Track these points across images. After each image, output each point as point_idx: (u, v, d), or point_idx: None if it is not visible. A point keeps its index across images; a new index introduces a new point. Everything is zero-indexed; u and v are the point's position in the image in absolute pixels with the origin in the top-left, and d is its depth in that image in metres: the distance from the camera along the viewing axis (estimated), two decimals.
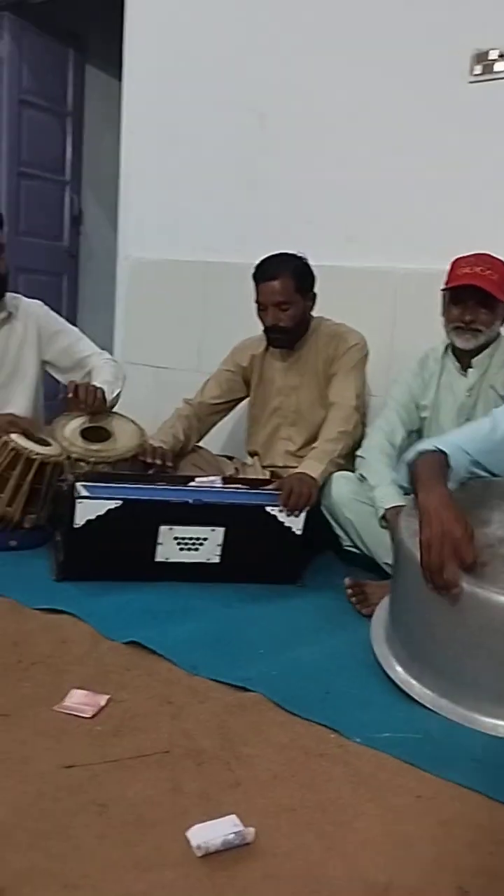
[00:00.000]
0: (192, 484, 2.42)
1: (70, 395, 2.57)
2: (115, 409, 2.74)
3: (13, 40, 4.20)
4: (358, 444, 2.47)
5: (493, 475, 1.92)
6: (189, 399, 2.79)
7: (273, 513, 2.27)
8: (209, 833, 1.20)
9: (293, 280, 2.51)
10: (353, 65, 2.95)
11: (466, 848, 1.26)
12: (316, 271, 2.59)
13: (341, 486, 2.34)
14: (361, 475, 2.34)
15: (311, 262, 2.57)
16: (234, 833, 1.20)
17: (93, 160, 4.79)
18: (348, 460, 2.46)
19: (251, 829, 1.22)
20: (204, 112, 3.37)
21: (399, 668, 1.74)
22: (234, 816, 1.25)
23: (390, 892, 1.15)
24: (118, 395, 2.73)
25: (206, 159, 3.37)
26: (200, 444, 2.81)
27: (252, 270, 2.57)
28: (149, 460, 2.50)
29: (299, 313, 2.55)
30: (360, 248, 2.97)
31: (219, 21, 3.29)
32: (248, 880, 1.16)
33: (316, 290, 2.60)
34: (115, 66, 3.87)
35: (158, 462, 2.49)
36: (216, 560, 2.27)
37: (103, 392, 2.61)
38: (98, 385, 2.62)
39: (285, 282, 2.50)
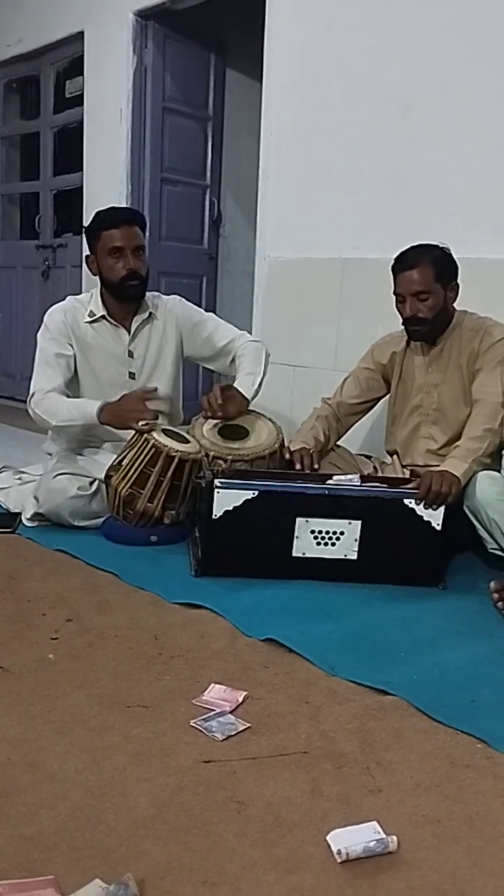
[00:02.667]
0: (329, 482, 2.38)
1: (205, 409, 2.65)
2: (255, 402, 2.76)
3: (157, 49, 4.29)
4: None
5: None
6: (327, 398, 2.75)
7: (412, 506, 2.20)
8: (350, 839, 1.16)
9: (433, 269, 2.42)
10: (499, 54, 2.82)
11: None
12: (461, 264, 2.49)
13: (486, 486, 2.24)
14: None
15: (457, 255, 2.48)
16: (377, 840, 1.16)
17: (232, 163, 4.84)
18: (495, 459, 2.35)
19: (394, 838, 1.18)
20: (344, 109, 3.32)
21: None
22: (375, 823, 1.21)
23: None
24: (261, 382, 2.75)
25: (346, 156, 3.33)
26: (339, 443, 2.77)
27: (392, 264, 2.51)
28: (297, 466, 2.48)
29: (439, 304, 2.46)
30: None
31: (360, 17, 3.24)
32: (391, 891, 1.11)
33: (459, 281, 2.50)
34: (255, 68, 3.88)
35: (307, 468, 2.47)
36: (353, 556, 2.23)
37: (240, 397, 2.64)
38: (236, 386, 2.65)
39: (424, 270, 2.42)
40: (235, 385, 2.72)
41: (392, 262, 2.50)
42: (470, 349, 2.50)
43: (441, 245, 2.46)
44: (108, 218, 2.70)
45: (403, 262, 2.46)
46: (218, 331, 2.87)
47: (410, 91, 3.09)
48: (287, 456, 2.53)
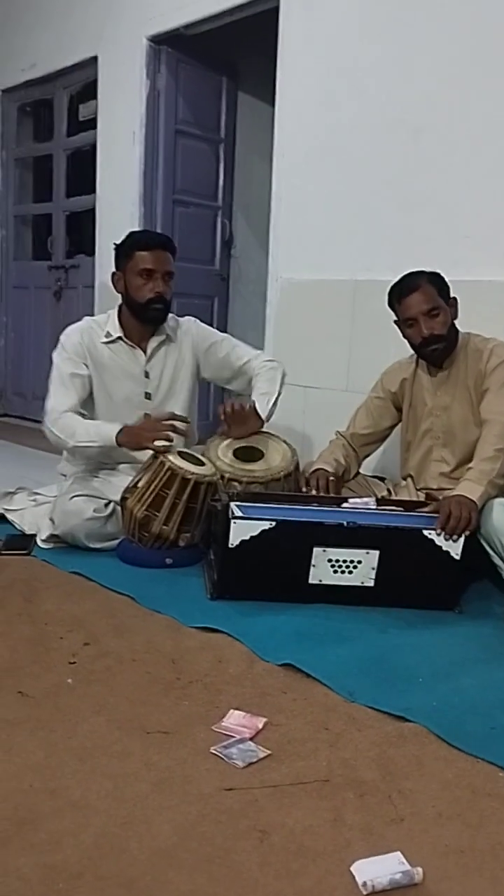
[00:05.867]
0: (345, 505, 2.39)
1: (223, 423, 2.66)
2: (269, 424, 2.77)
3: (170, 73, 4.35)
4: None
5: None
6: (341, 431, 2.76)
7: (431, 537, 2.20)
8: (375, 870, 1.15)
9: (433, 287, 2.47)
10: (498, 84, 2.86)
11: None
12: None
13: (501, 514, 2.24)
14: None
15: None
16: (402, 872, 1.16)
17: (243, 185, 4.88)
18: None
19: (419, 869, 1.17)
20: (356, 132, 3.36)
21: None
22: (399, 853, 1.20)
23: None
24: (275, 402, 2.77)
25: (358, 178, 3.36)
26: None
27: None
28: (313, 491, 2.49)
29: (449, 320, 2.49)
30: None
31: (371, 41, 3.28)
32: None
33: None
34: (267, 92, 3.92)
35: (322, 491, 2.48)
36: (370, 584, 2.23)
37: (255, 416, 2.66)
38: (252, 404, 2.67)
39: (427, 288, 2.46)
40: (251, 404, 2.74)
41: (389, 294, 2.52)
42: (477, 370, 2.51)
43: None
44: (144, 239, 2.75)
45: (404, 288, 2.48)
46: (234, 351, 2.89)
47: (421, 114, 3.12)
48: (304, 481, 2.54)
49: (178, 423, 2.56)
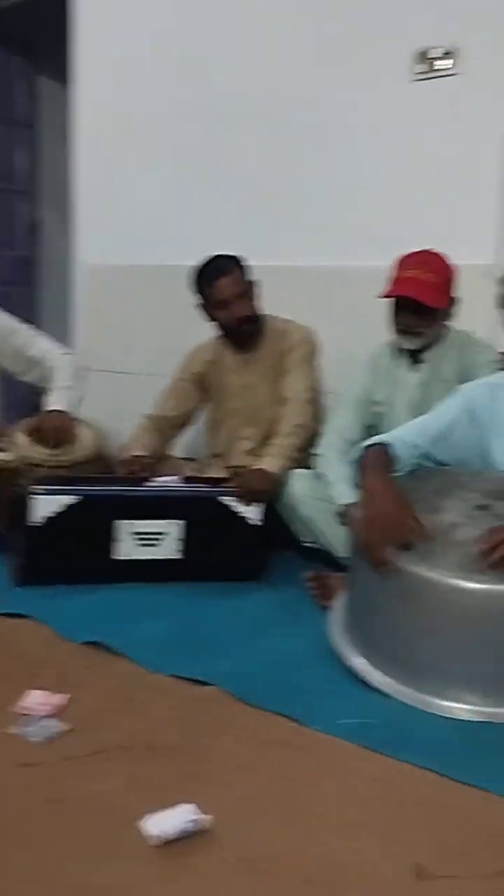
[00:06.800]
0: (149, 484, 2.41)
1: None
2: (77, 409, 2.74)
3: None
4: (315, 437, 2.48)
5: (443, 464, 1.95)
6: (148, 414, 2.78)
7: (229, 503, 2.28)
8: (165, 822, 1.19)
9: (240, 270, 2.55)
10: (301, 64, 2.98)
11: (422, 826, 1.27)
12: (266, 271, 2.61)
13: (298, 484, 2.35)
14: (319, 472, 2.35)
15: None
16: (192, 821, 1.20)
17: (50, 169, 4.77)
18: (306, 454, 2.48)
19: (208, 817, 1.23)
20: (157, 115, 3.38)
21: (357, 658, 1.75)
22: (192, 805, 1.25)
23: (346, 869, 1.16)
24: (79, 396, 2.73)
25: (162, 162, 3.38)
26: None
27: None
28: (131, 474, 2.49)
29: (256, 302, 2.58)
30: (313, 247, 2.99)
31: (168, 24, 3.31)
32: (206, 867, 1.16)
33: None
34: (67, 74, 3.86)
35: (142, 474, 2.49)
36: (178, 556, 2.28)
37: (64, 420, 2.63)
38: (56, 407, 2.62)
39: (235, 273, 2.54)
40: (49, 400, 2.69)
41: (196, 277, 2.57)
42: (277, 350, 2.62)
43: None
44: None
45: (213, 272, 2.54)
46: (34, 342, 2.81)
47: (219, 97, 3.19)
48: (117, 466, 2.54)
49: None
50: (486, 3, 2.57)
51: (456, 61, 2.63)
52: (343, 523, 2.20)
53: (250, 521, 2.30)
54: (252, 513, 2.30)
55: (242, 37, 3.13)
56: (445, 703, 1.60)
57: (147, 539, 2.25)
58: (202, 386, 2.78)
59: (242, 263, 2.58)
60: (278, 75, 3.04)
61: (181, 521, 2.27)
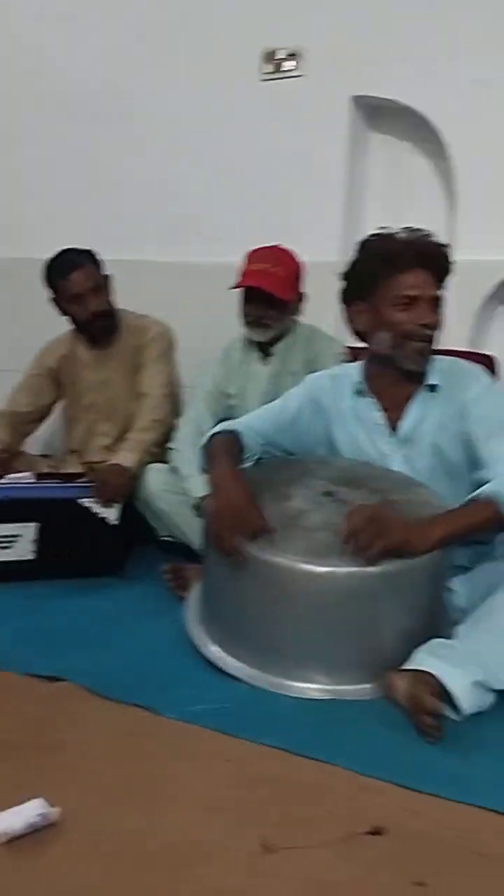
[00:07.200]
0: (0, 482, 2.36)
1: None
2: None
3: None
4: (173, 432, 2.50)
5: (290, 453, 2.01)
6: (1, 410, 2.72)
7: (87, 504, 2.26)
8: (12, 819, 1.18)
9: (93, 265, 2.53)
10: (149, 58, 2.99)
11: (269, 802, 1.32)
12: (115, 266, 2.60)
13: (154, 479, 2.36)
14: (174, 466, 2.37)
15: (107, 257, 2.59)
16: (39, 815, 1.20)
17: None
18: (164, 449, 2.49)
19: (56, 810, 1.22)
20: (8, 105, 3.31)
21: (212, 646, 1.78)
22: (40, 800, 1.24)
23: (195, 848, 1.19)
24: None
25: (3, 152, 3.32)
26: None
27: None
28: None
29: (111, 297, 2.57)
30: (163, 241, 3.01)
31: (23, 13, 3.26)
32: (51, 858, 1.16)
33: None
34: None
35: None
36: (31, 557, 2.24)
37: None
38: None
39: (89, 267, 2.52)
40: None
41: (46, 272, 2.53)
42: (132, 345, 2.62)
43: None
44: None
45: (66, 265, 2.50)
46: None
47: (60, 89, 3.16)
48: None
49: None
50: (325, 6, 2.66)
51: (299, 63, 2.70)
52: (199, 515, 2.23)
53: (108, 521, 2.29)
54: (109, 513, 2.28)
55: (87, 27, 3.10)
56: (295, 684, 1.65)
57: None
58: (56, 381, 2.74)
59: (96, 257, 2.56)
60: (122, 67, 3.04)
61: (35, 524, 2.23)
